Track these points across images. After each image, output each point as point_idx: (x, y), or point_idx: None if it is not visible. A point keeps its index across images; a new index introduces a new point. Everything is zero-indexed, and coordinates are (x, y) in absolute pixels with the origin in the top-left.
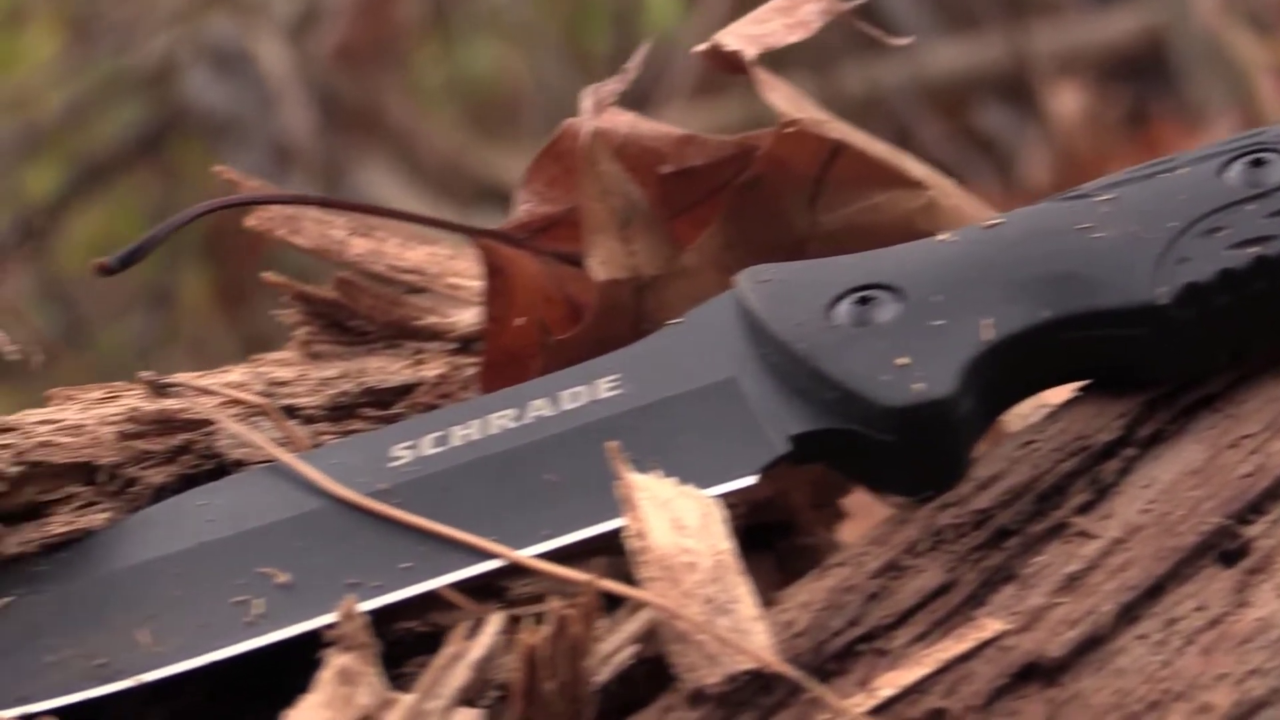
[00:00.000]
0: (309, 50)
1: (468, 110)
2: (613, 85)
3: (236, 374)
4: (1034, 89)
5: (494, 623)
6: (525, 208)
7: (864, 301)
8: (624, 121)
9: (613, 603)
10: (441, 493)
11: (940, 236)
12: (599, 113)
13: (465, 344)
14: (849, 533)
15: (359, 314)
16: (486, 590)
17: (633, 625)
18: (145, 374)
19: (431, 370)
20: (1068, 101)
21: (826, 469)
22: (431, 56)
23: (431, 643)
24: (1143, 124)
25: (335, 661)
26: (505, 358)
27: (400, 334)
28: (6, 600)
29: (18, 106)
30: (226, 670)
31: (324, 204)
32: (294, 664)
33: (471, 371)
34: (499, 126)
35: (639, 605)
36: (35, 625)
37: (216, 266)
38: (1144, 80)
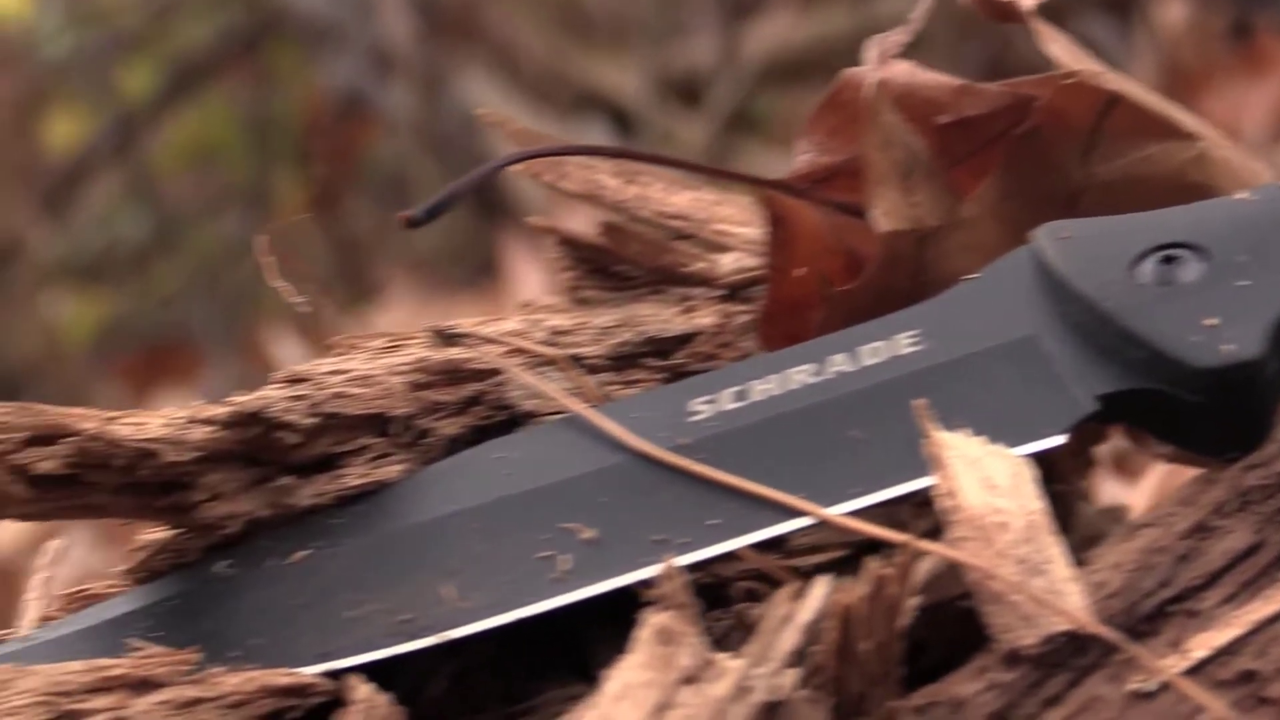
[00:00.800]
0: None
1: (566, 17)
2: (897, 36)
3: (513, 322)
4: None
5: (821, 585)
6: (806, 158)
7: (1168, 260)
8: (902, 71)
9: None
10: (744, 448)
11: (1239, 195)
12: (882, 64)
13: (733, 291)
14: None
15: (626, 259)
16: (764, 542)
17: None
18: (432, 324)
19: (704, 318)
20: (1171, 12)
21: None
22: None
23: (710, 595)
24: (1247, 37)
25: (654, 621)
26: (784, 308)
27: (666, 280)
28: (304, 554)
29: (115, 10)
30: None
31: (619, 155)
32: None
33: (744, 320)
34: (597, 34)
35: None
36: (334, 579)
37: (310, 168)
38: None
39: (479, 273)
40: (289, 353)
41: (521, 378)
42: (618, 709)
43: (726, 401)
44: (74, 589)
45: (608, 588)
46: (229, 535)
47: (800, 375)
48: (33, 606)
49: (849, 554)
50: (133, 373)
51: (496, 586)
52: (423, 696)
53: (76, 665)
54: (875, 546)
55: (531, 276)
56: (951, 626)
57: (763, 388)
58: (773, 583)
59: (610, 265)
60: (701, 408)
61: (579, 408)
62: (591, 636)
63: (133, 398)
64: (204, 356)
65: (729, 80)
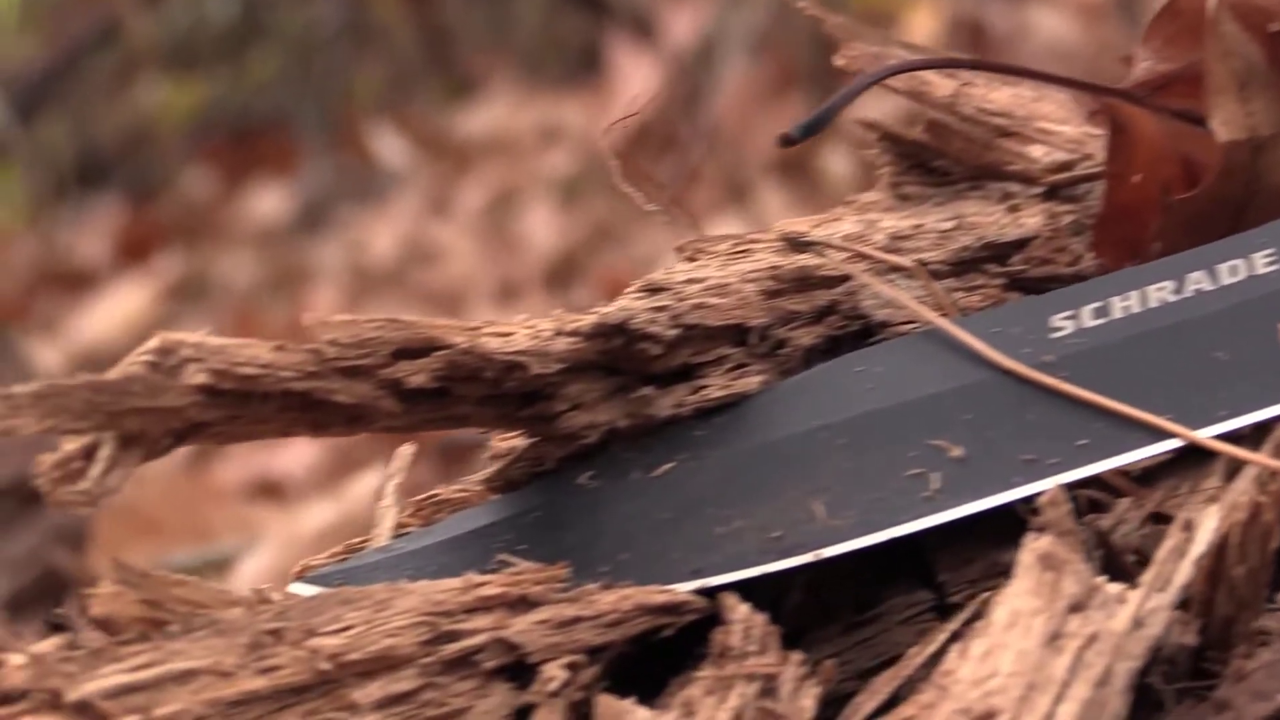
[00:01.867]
0: None
1: None
2: None
3: (848, 223)
4: None
5: (1211, 516)
6: (1144, 65)
7: None
8: None
9: None
10: (1107, 367)
11: None
12: None
13: (1053, 190)
14: None
15: (948, 156)
16: None
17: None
18: (783, 229)
19: (1030, 218)
20: None
21: None
22: None
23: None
24: None
25: (1038, 547)
26: (1121, 214)
27: (985, 176)
28: (668, 466)
29: None
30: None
31: (975, 67)
32: None
33: (1070, 220)
34: None
35: None
36: (700, 494)
37: None
38: None
39: (580, 67)
40: (387, 146)
41: (877, 287)
42: (1009, 638)
43: (1087, 318)
44: (424, 495)
45: (980, 507)
46: (587, 445)
47: (1159, 293)
48: (387, 514)
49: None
50: (224, 158)
51: (867, 504)
52: (782, 608)
53: (452, 583)
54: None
55: (635, 74)
56: None
57: (1123, 304)
58: (1115, 492)
59: (930, 161)
60: (1063, 324)
61: (938, 320)
62: (931, 543)
63: (225, 183)
64: (298, 145)
65: None
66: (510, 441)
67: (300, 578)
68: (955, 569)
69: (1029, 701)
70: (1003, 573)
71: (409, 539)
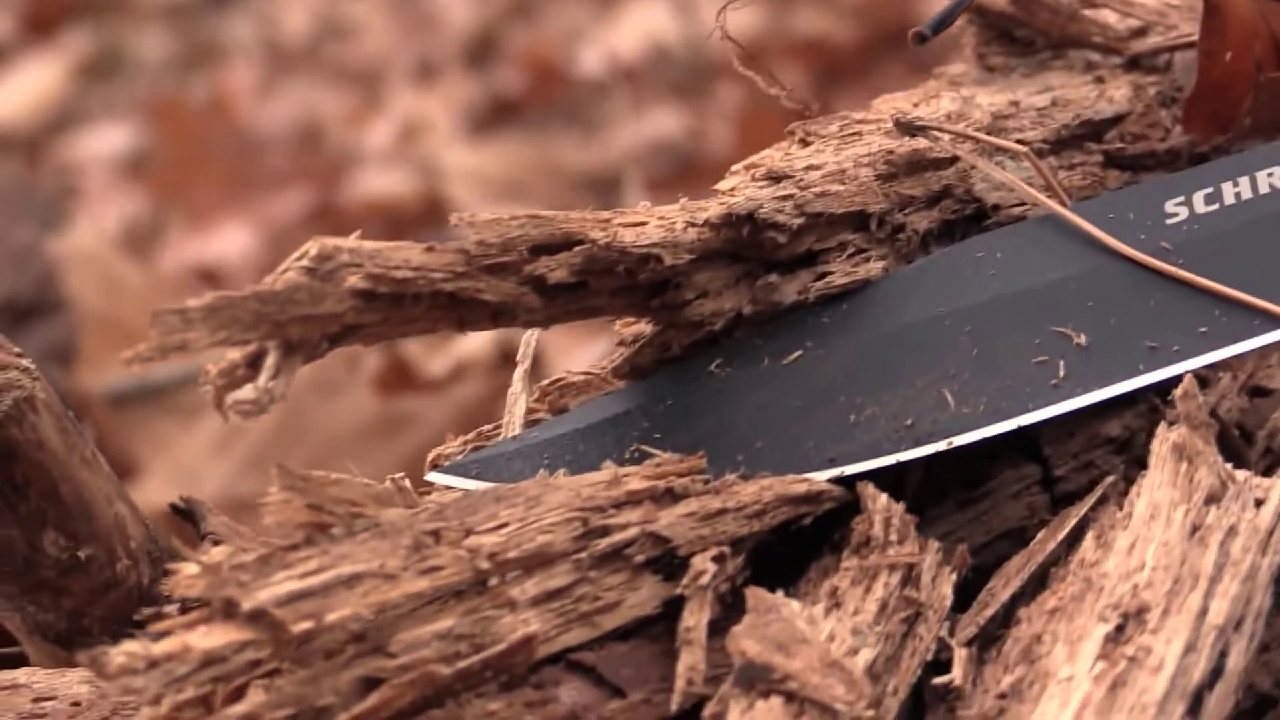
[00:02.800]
0: None
1: None
2: None
3: (946, 100)
4: None
5: None
6: None
7: None
8: None
9: None
10: (1224, 254)
11: None
12: None
13: (1134, 60)
14: None
15: (1033, 27)
16: None
17: None
18: (890, 110)
19: (1116, 89)
20: None
21: None
22: None
23: None
24: None
25: (1172, 437)
26: (1213, 91)
27: (1068, 45)
28: (796, 354)
29: None
30: None
31: None
32: None
33: (1154, 91)
34: None
35: None
36: (831, 381)
37: None
38: None
39: None
40: None
41: (991, 171)
42: (1151, 531)
43: (1199, 204)
44: (551, 380)
45: (1107, 394)
46: (712, 331)
47: (1270, 179)
48: (518, 401)
49: None
50: None
51: (996, 392)
52: (903, 488)
53: (599, 477)
54: None
55: None
56: None
57: (1234, 190)
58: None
59: (1014, 31)
60: (1176, 209)
61: (1056, 208)
62: None
63: None
64: None
65: None
66: (635, 328)
67: (436, 467)
68: (1058, 441)
69: (1178, 596)
70: (1102, 444)
71: (543, 427)
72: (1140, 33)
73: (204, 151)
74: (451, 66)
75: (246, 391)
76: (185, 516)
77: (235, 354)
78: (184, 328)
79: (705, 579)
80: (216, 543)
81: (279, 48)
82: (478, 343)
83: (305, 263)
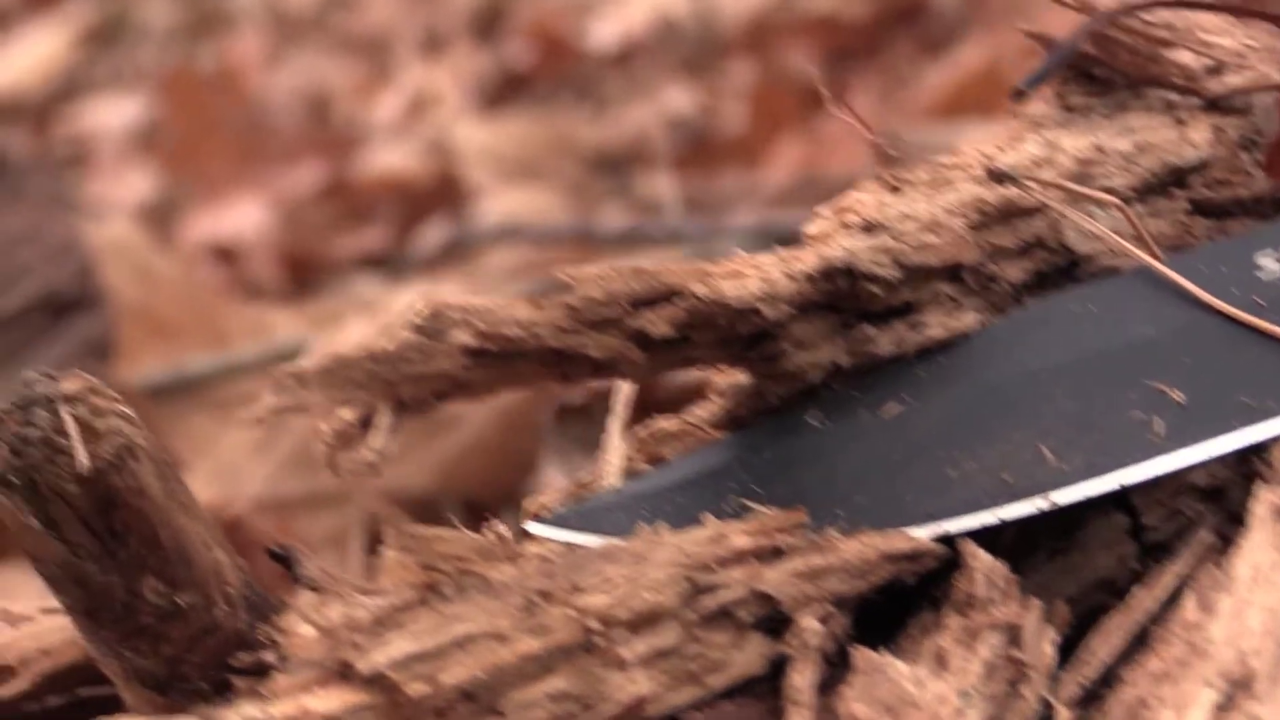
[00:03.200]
0: None
1: None
2: None
3: (1031, 144)
4: None
5: None
6: None
7: None
8: None
9: None
10: None
11: None
12: None
13: (1213, 102)
14: None
15: (1114, 68)
16: None
17: None
18: (978, 155)
19: (1198, 133)
20: None
21: None
22: None
23: None
24: None
25: (1271, 499)
26: None
27: (1147, 84)
28: (894, 408)
29: None
30: None
31: (1206, 7)
32: None
33: (1235, 135)
34: None
35: None
36: (929, 435)
37: None
38: None
39: None
40: None
41: (1082, 222)
42: (1254, 595)
43: None
44: (647, 429)
45: (1206, 453)
46: (809, 382)
47: None
48: (615, 451)
49: None
50: None
51: (1093, 448)
52: (998, 540)
53: (704, 533)
54: None
55: None
56: None
57: None
58: None
59: (1094, 71)
60: (1266, 263)
61: (1149, 261)
62: None
63: None
64: None
65: None
66: (731, 378)
67: (537, 518)
68: (1146, 490)
69: None
70: (1189, 492)
71: (641, 479)
72: (1216, 70)
73: (214, 123)
74: (459, 38)
75: (362, 453)
76: (281, 561)
77: (348, 414)
78: (299, 389)
79: (811, 638)
80: (313, 588)
81: (285, 17)
82: None
83: (415, 320)
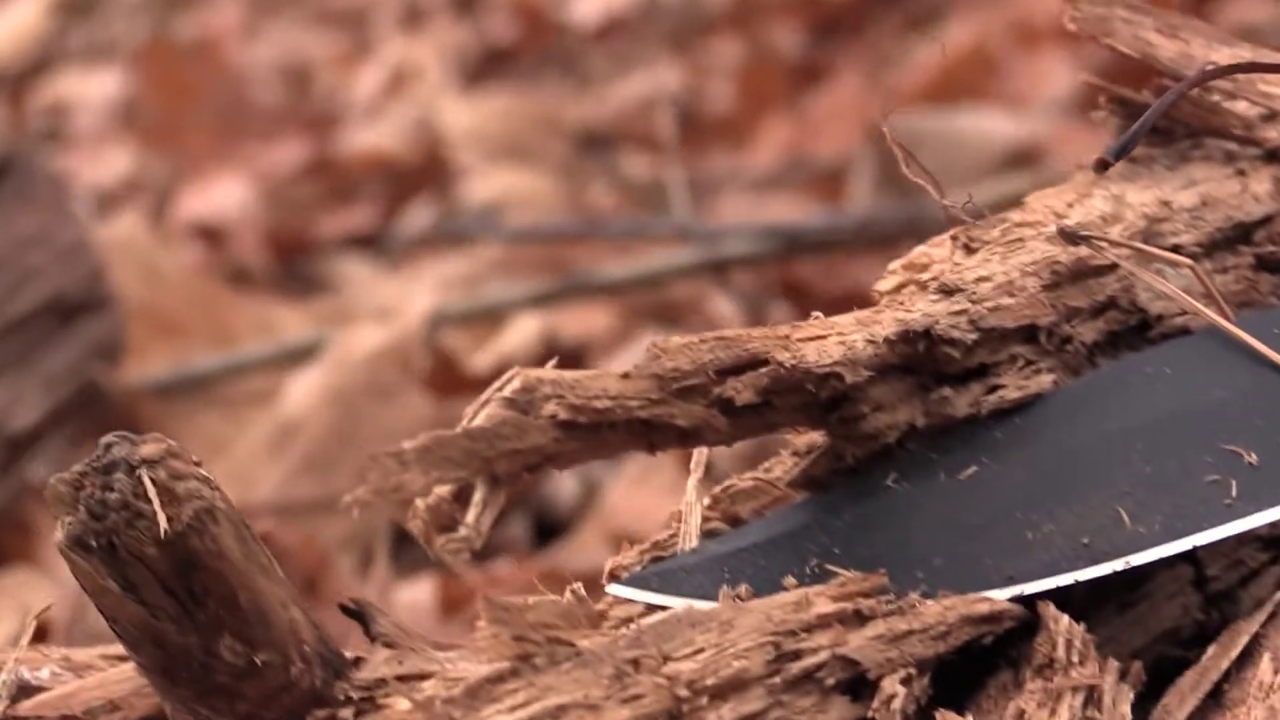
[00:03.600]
0: None
1: None
2: None
3: (1098, 200)
4: None
5: None
6: None
7: None
8: None
9: None
10: None
11: None
12: None
13: (1273, 154)
14: None
15: (1175, 119)
16: None
17: None
18: (1046, 212)
19: (1259, 185)
20: None
21: None
22: None
23: None
24: None
25: None
26: None
27: (1208, 135)
28: (972, 470)
29: None
30: None
31: None
32: None
33: None
34: None
35: None
36: (1008, 497)
37: None
38: None
39: None
40: None
41: (1155, 283)
42: None
43: None
44: (722, 487)
45: (1277, 517)
46: (886, 443)
47: None
48: (694, 511)
49: None
50: None
51: (1170, 511)
52: (1068, 600)
53: (787, 598)
54: None
55: None
56: None
57: None
58: None
59: (1155, 122)
60: None
61: (1222, 323)
62: None
63: None
64: None
65: None
66: (807, 438)
67: (615, 579)
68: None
69: None
70: (1250, 542)
71: (721, 540)
72: (1270, 118)
73: (193, 97)
74: (439, 12)
75: (461, 531)
76: (356, 617)
77: (443, 491)
78: (400, 470)
79: (896, 702)
80: (388, 645)
81: None
82: (520, 338)
83: (506, 393)
